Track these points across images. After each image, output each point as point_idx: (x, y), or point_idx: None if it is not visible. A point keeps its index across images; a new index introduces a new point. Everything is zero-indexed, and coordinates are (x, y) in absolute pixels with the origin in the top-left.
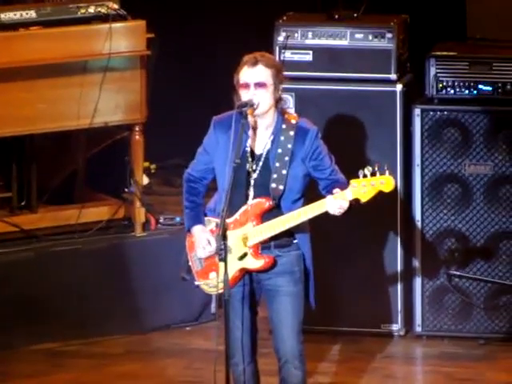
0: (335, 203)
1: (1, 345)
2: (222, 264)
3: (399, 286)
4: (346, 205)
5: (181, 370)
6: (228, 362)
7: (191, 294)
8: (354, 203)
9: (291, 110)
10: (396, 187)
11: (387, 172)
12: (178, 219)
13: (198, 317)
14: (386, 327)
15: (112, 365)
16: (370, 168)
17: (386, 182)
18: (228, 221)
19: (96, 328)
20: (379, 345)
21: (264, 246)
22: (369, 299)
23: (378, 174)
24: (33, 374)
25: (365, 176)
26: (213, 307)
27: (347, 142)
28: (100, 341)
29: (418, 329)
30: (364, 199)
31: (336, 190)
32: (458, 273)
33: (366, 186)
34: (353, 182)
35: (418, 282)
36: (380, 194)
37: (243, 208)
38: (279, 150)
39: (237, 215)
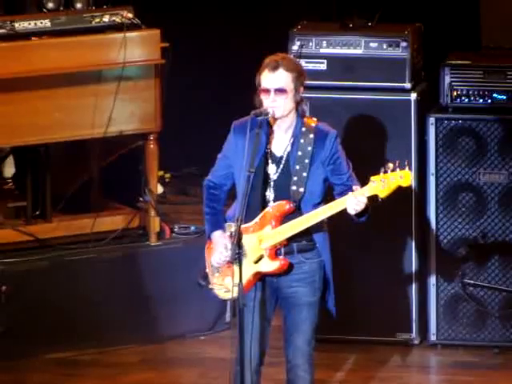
0: (354, 200)
1: (15, 354)
2: (236, 269)
3: (414, 295)
4: (364, 201)
5: (195, 379)
6: (243, 368)
7: (206, 304)
8: (372, 203)
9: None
10: (411, 194)
11: (407, 167)
12: (192, 228)
13: (213, 326)
14: (400, 336)
15: (126, 374)
16: (391, 165)
17: (405, 177)
18: (248, 225)
19: (110, 337)
20: (394, 354)
21: (287, 251)
22: (383, 308)
23: (397, 170)
24: (47, 383)
25: (385, 172)
26: (227, 316)
27: (361, 150)
28: (114, 350)
29: (433, 338)
30: (382, 195)
31: (355, 187)
32: (473, 281)
33: (384, 182)
34: (372, 178)
35: (432, 290)
36: (395, 200)
37: (264, 211)
38: (299, 153)
39: (257, 219)
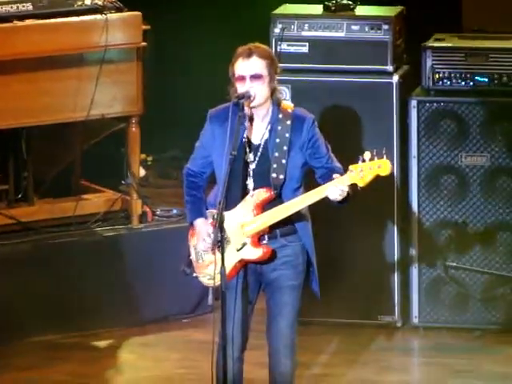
0: (335, 189)
1: None
2: (219, 256)
3: (396, 278)
4: (345, 189)
5: (178, 361)
6: (225, 354)
7: (188, 286)
8: (353, 190)
9: (287, 101)
10: (393, 178)
11: (385, 156)
12: (174, 211)
13: (195, 309)
14: (382, 319)
15: (109, 357)
16: (369, 153)
17: (383, 166)
18: (229, 212)
19: (93, 320)
20: (376, 336)
21: (270, 235)
22: (366, 291)
23: (376, 158)
24: (31, 366)
25: (363, 161)
26: (210, 299)
27: (343, 133)
28: (97, 333)
29: (415, 320)
30: (361, 184)
31: (335, 175)
32: (455, 264)
33: (363, 171)
34: (351, 167)
35: (414, 273)
36: (377, 183)
37: (244, 199)
38: (277, 140)
39: (238, 206)
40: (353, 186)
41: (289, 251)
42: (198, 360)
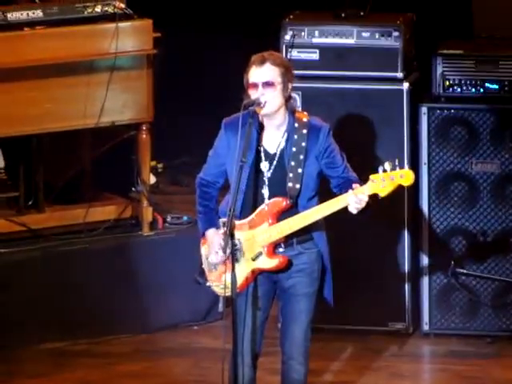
0: (355, 198)
1: (8, 344)
2: (230, 262)
3: (407, 285)
4: (365, 199)
5: (188, 369)
6: (236, 361)
7: (198, 293)
8: (372, 200)
9: (298, 109)
10: (403, 187)
11: (406, 166)
12: (185, 218)
13: (206, 316)
14: (393, 325)
15: (119, 364)
16: (390, 163)
17: (406, 176)
18: (243, 221)
19: (103, 327)
20: (387, 343)
21: (286, 244)
22: (376, 298)
23: (397, 168)
24: (40, 373)
25: (384, 171)
26: (220, 306)
27: (354, 140)
28: (107, 340)
29: (426, 327)
30: (383, 194)
31: (355, 186)
32: (466, 271)
33: (385, 181)
34: (372, 177)
35: (425, 280)
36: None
37: (260, 208)
38: (294, 149)
39: (253, 215)
40: (373, 196)
41: (305, 258)
42: (209, 367)
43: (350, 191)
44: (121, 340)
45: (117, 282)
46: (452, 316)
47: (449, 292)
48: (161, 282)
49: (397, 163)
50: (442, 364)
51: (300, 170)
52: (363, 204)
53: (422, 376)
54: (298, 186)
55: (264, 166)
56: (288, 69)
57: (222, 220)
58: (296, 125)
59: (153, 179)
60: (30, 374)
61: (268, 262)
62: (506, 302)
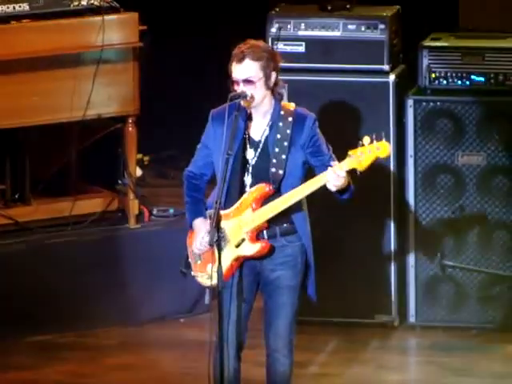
0: (333, 175)
1: None
2: (216, 255)
3: (393, 277)
4: (343, 175)
5: (175, 361)
6: (222, 353)
7: (185, 286)
8: (350, 176)
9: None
10: (390, 177)
11: (384, 139)
12: (171, 211)
13: (192, 308)
14: (379, 318)
15: (106, 356)
16: (368, 138)
17: (382, 148)
18: (228, 211)
19: (90, 320)
20: (373, 335)
21: (270, 234)
22: (362, 290)
23: (375, 142)
24: (27, 366)
25: (362, 146)
26: (207, 299)
27: (340, 132)
28: (94, 333)
29: (412, 319)
30: (360, 168)
31: (334, 163)
32: (452, 263)
33: (362, 154)
34: (350, 152)
35: (411, 272)
36: (374, 182)
37: (243, 196)
38: (278, 136)
39: (237, 204)
40: (352, 172)
41: (288, 251)
42: (196, 359)
43: (329, 168)
44: (108, 332)
45: (103, 274)
46: (438, 308)
47: (435, 284)
48: (147, 275)
49: (374, 137)
50: (428, 356)
51: (284, 156)
52: (342, 180)
53: (408, 368)
54: (281, 171)
55: (249, 153)
56: (270, 58)
57: (209, 212)
58: (282, 112)
59: (139, 172)
60: (19, 367)
61: (251, 248)
62: (492, 294)
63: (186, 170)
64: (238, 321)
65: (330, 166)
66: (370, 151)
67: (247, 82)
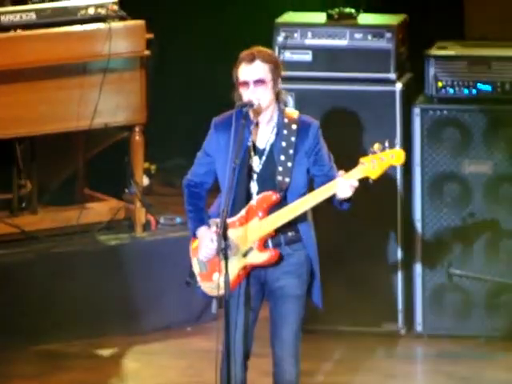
0: (346, 183)
1: (2, 346)
2: (223, 263)
3: (400, 285)
4: (355, 184)
5: (181, 370)
6: (229, 362)
7: (192, 295)
8: (364, 184)
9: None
10: (396, 185)
11: (397, 146)
12: (178, 220)
13: (199, 317)
14: (386, 326)
15: (112, 365)
16: (379, 145)
17: (397, 156)
18: (233, 219)
19: (96, 329)
20: (380, 344)
21: (275, 243)
22: (369, 298)
23: (387, 149)
24: (33, 374)
25: (374, 153)
26: (214, 307)
27: (347, 141)
28: (100, 342)
29: (419, 328)
30: (374, 176)
31: (341, 172)
32: (459, 272)
33: (375, 162)
34: (362, 159)
35: (418, 281)
36: (380, 191)
37: (249, 204)
38: (283, 144)
39: (242, 212)
40: (364, 180)
41: (293, 260)
42: (202, 368)
43: (339, 177)
44: (114, 341)
45: (110, 283)
46: (445, 317)
47: (442, 293)
48: (154, 284)
49: (386, 144)
50: (435, 365)
51: (290, 164)
52: (353, 189)
53: (415, 377)
54: (287, 179)
55: (254, 161)
56: (277, 64)
57: (213, 220)
58: (286, 120)
59: (146, 181)
60: (24, 376)
61: (259, 257)
62: (499, 302)
63: (186, 178)
64: (245, 330)
65: (332, 179)
66: (384, 158)
67: (259, 82)
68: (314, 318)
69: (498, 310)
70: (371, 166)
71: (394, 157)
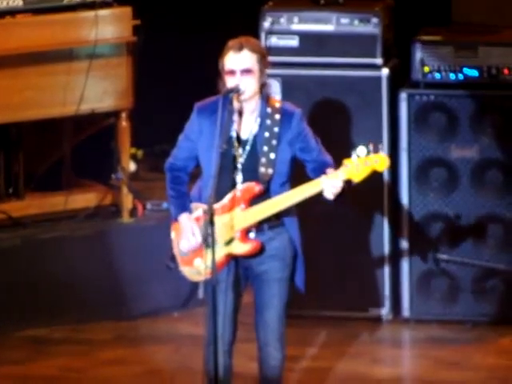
0: (329, 183)
1: None
2: (208, 251)
3: (387, 270)
4: (339, 184)
5: (169, 355)
6: (216, 348)
7: (179, 280)
8: (347, 185)
9: (277, 96)
10: (383, 172)
11: (381, 151)
12: (165, 205)
13: (186, 303)
14: (373, 311)
15: (100, 351)
16: (364, 148)
17: (380, 161)
18: (215, 206)
19: (84, 314)
20: (367, 329)
21: (258, 229)
22: (356, 283)
23: (371, 153)
24: (20, 360)
25: (358, 156)
26: (200, 293)
27: (334, 127)
28: (87, 327)
29: (406, 313)
30: (357, 179)
31: (329, 170)
32: (446, 256)
33: (359, 166)
34: (346, 161)
35: (405, 266)
36: (367, 178)
37: (232, 193)
38: (266, 134)
39: (225, 200)
40: (347, 182)
41: (276, 244)
42: (190, 354)
43: (323, 176)
44: (101, 327)
45: (97, 269)
46: (432, 301)
47: (429, 277)
48: (141, 269)
49: (371, 148)
50: (422, 350)
51: (273, 156)
52: (338, 189)
53: (402, 362)
54: (270, 171)
55: (237, 151)
56: (264, 55)
57: (195, 204)
58: (269, 110)
59: (133, 166)
60: (10, 362)
61: (241, 247)
62: (486, 287)
63: (168, 161)
64: (230, 315)
65: (322, 162)
66: (367, 163)
67: (246, 71)
68: (300, 303)
69: (484, 294)
70: (355, 169)
71: (377, 162)
